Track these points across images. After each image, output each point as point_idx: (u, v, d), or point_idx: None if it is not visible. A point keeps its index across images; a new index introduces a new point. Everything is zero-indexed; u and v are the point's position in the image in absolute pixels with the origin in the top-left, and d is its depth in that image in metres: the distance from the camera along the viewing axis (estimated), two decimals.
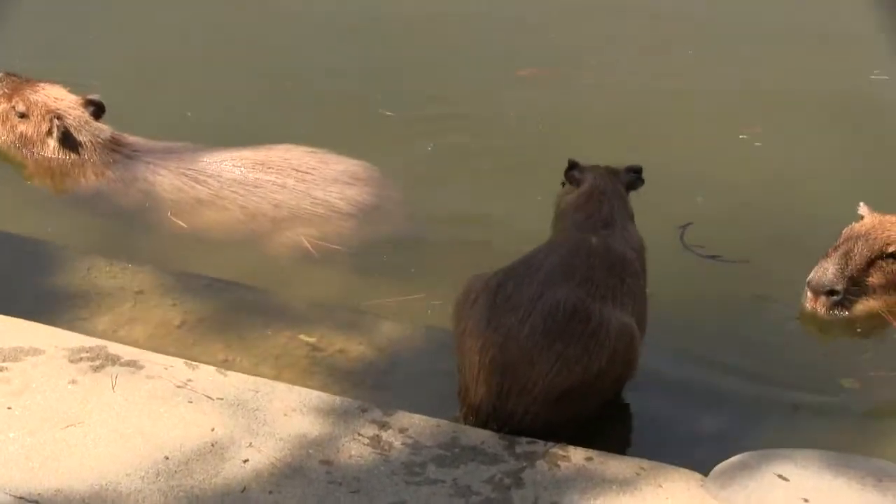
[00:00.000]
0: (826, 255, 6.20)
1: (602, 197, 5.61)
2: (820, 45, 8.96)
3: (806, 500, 4.36)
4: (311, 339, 5.61)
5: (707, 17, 9.39)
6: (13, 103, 7.04)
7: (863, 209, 6.35)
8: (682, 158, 7.43)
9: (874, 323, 6.16)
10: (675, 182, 7.07)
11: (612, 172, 5.78)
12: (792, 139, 7.69)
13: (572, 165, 5.82)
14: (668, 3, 9.52)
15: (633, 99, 8.30)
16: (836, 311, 6.12)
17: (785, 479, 4.45)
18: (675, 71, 8.69)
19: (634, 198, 5.98)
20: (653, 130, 7.87)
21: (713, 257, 6.64)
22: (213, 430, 4.53)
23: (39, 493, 4.20)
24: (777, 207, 6.99)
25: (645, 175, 5.91)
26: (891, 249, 6.15)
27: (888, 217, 6.27)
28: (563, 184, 5.86)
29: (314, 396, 4.79)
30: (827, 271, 6.12)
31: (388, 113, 7.66)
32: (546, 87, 8.40)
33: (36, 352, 4.83)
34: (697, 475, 4.57)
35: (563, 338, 4.92)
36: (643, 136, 7.74)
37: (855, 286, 6.12)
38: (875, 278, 6.15)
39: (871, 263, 6.14)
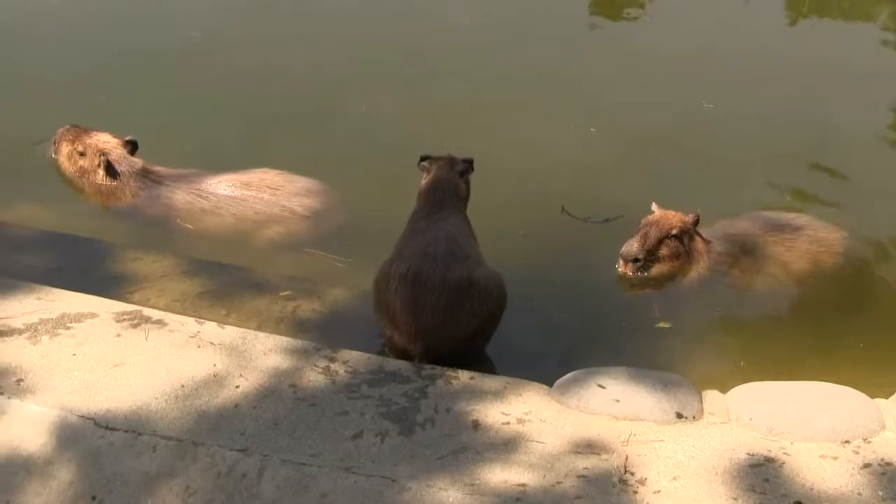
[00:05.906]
0: (632, 235, 6.27)
1: (439, 184, 5.48)
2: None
3: (617, 401, 4.40)
4: (286, 293, 5.58)
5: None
6: (75, 146, 6.91)
7: (654, 206, 6.42)
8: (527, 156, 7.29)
9: (663, 280, 6.26)
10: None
11: (450, 163, 5.60)
12: (617, 152, 7.50)
13: (423, 158, 5.68)
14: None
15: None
16: (639, 273, 6.20)
17: (603, 387, 4.48)
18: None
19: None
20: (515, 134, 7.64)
21: (606, 220, 6.60)
22: (214, 365, 4.48)
23: (95, 413, 4.16)
24: (595, 196, 6.83)
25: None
26: (673, 232, 6.23)
27: (669, 212, 6.35)
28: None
29: (284, 341, 4.73)
30: (632, 246, 6.18)
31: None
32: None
33: (93, 315, 4.74)
34: (545, 387, 4.57)
35: (467, 301, 4.97)
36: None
37: (650, 256, 6.21)
38: (663, 251, 6.22)
39: (660, 241, 6.21)
